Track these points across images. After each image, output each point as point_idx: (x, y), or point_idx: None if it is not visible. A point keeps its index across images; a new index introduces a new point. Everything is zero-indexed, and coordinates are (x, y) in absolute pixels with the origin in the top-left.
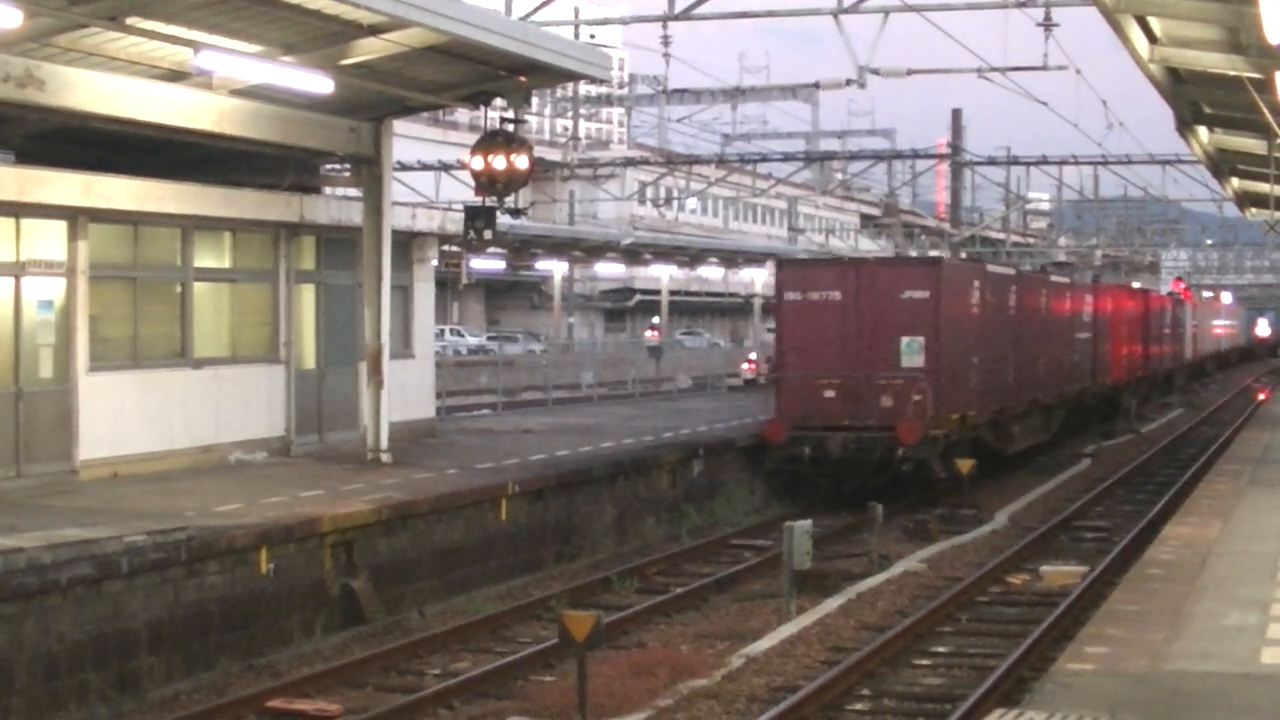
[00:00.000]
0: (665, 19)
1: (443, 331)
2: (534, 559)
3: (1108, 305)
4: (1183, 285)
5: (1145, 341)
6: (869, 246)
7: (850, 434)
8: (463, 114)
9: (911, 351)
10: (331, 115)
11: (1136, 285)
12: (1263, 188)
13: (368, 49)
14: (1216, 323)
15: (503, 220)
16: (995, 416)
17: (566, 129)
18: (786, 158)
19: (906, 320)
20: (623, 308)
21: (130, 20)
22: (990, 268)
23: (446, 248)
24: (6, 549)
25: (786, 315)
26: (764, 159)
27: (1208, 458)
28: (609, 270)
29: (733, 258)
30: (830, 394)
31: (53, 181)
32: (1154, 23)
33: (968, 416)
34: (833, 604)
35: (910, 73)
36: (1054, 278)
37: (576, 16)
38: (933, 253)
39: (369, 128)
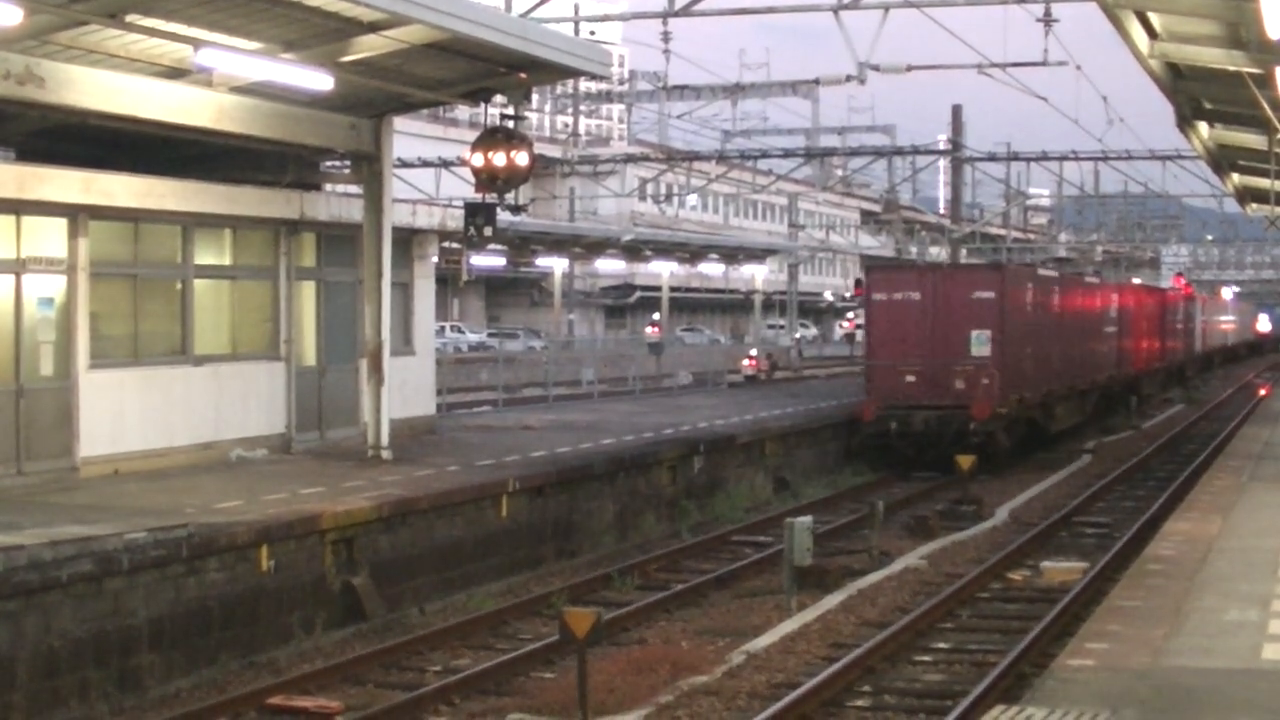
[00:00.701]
0: (665, 15)
1: (443, 328)
2: (534, 556)
3: (1130, 302)
4: (1183, 281)
5: (1161, 336)
6: (869, 243)
7: (930, 412)
8: (463, 111)
9: (980, 343)
10: (331, 112)
11: (1152, 284)
12: (1263, 183)
13: (368, 46)
14: (1223, 318)
15: (503, 217)
16: (1044, 399)
17: (567, 125)
18: (787, 154)
19: (975, 316)
20: (623, 304)
21: (130, 17)
22: (1040, 271)
23: (447, 244)
24: (7, 546)
25: (874, 313)
26: (764, 155)
27: (1208, 454)
28: (609, 267)
29: (733, 254)
30: (912, 379)
31: (53, 179)
32: (1154, 18)
33: (1024, 398)
34: (833, 600)
35: (910, 69)
36: (1087, 278)
37: (576, 13)
38: (933, 250)
39: (369, 124)
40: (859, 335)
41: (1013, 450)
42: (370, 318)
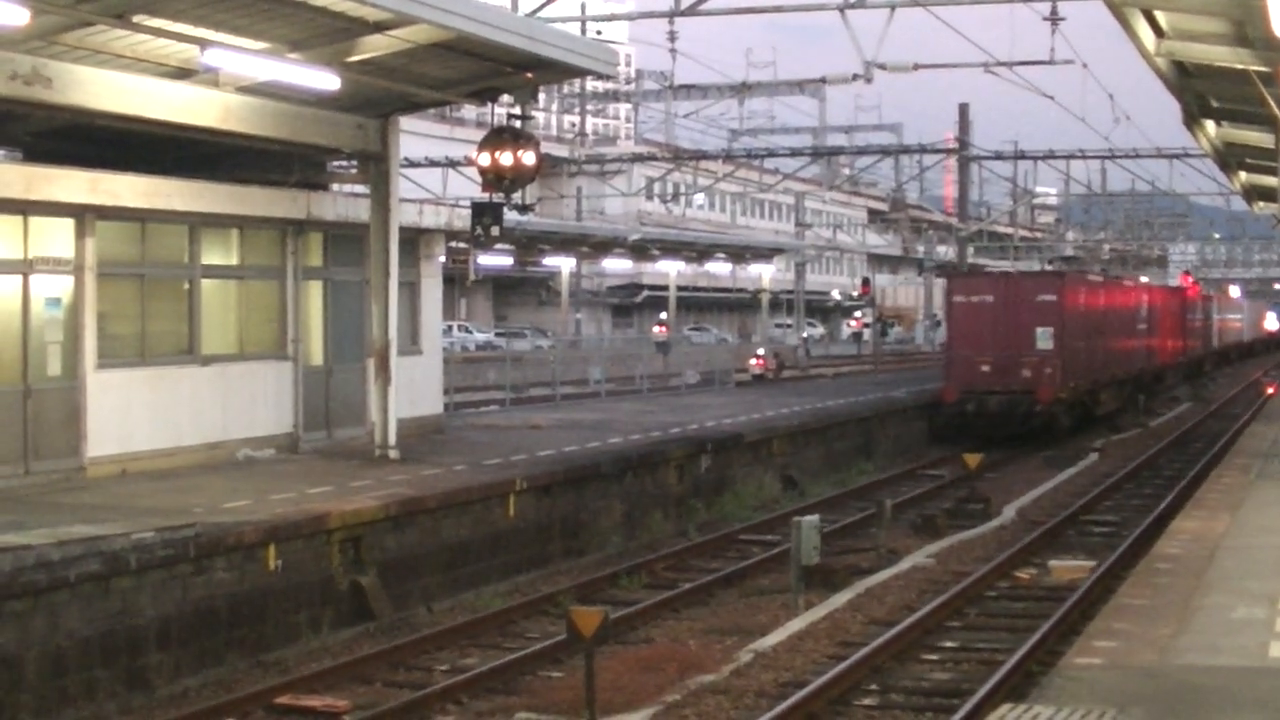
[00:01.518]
0: (672, 14)
1: (450, 328)
2: (542, 555)
3: (1157, 300)
4: (1190, 279)
5: (1183, 333)
6: (876, 241)
7: (1001, 396)
8: (470, 110)
9: (1044, 338)
10: (338, 112)
11: (1175, 286)
12: (1270, 181)
13: (374, 45)
14: (1238, 316)
15: (510, 216)
16: (1092, 386)
17: (573, 125)
18: (793, 153)
19: (1039, 316)
20: (630, 303)
21: (137, 18)
22: (1089, 276)
23: (454, 244)
24: (15, 546)
25: (955, 313)
26: (771, 154)
27: (1215, 452)
28: (616, 266)
29: (740, 253)
30: (986, 368)
31: (60, 179)
32: (1160, 16)
33: (1078, 385)
34: (841, 599)
35: (917, 67)
36: (1124, 281)
37: (583, 12)
38: (940, 248)
39: (376, 124)
40: (866, 334)
41: (1069, 429)
42: (377, 317)
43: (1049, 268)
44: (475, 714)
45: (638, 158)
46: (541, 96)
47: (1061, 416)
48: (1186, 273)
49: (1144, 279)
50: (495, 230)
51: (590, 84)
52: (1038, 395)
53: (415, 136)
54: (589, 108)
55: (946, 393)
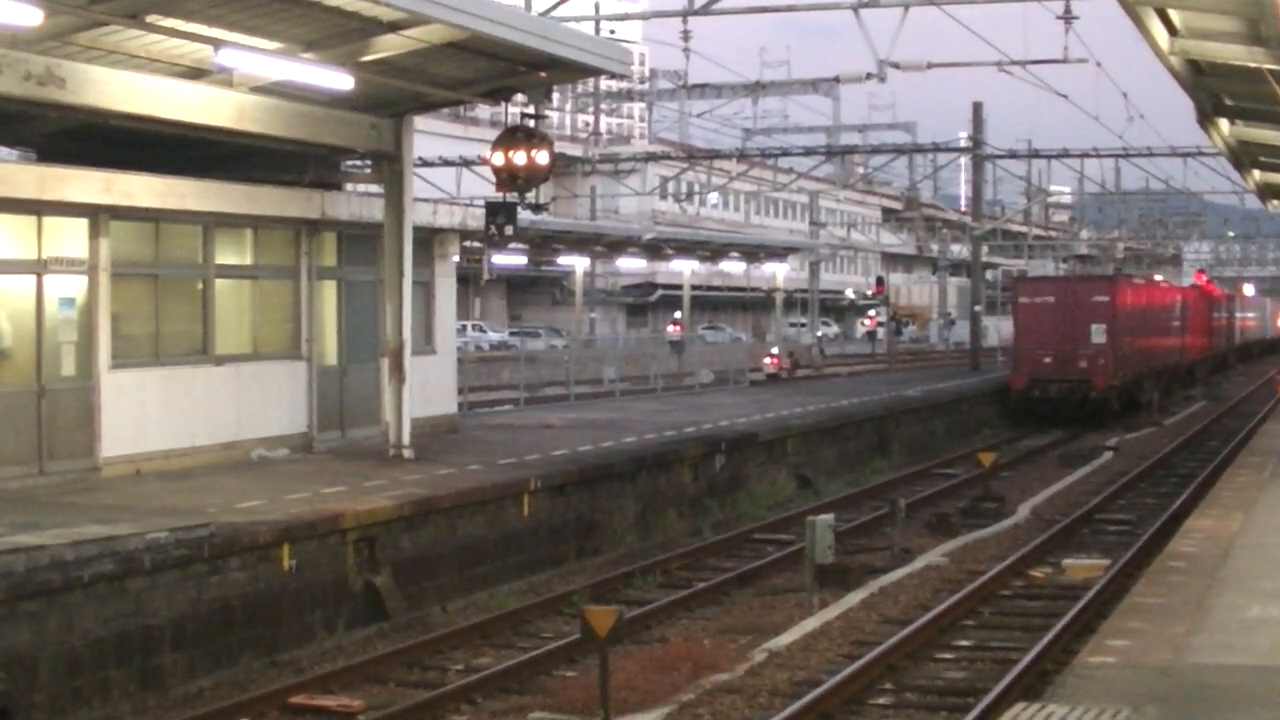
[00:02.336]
0: (685, 14)
1: (464, 327)
2: (556, 554)
3: (1189, 300)
4: (1205, 278)
5: (1209, 328)
6: (890, 240)
7: (1062, 383)
8: (484, 110)
9: (1098, 333)
10: (352, 112)
11: (1187, 282)
12: None
13: (388, 45)
14: (1257, 314)
15: (524, 216)
16: (1136, 376)
17: (587, 124)
18: (807, 152)
19: (1094, 314)
20: (644, 303)
21: (150, 18)
22: (1135, 279)
23: (468, 244)
24: (29, 546)
25: (1021, 312)
26: (785, 153)
27: (1230, 450)
28: (631, 265)
29: (754, 252)
30: (1048, 359)
31: (74, 179)
32: (1174, 15)
33: (1126, 374)
34: (855, 598)
35: (930, 66)
36: (1162, 282)
37: (597, 12)
38: (954, 247)
39: (389, 124)
40: (880, 333)
41: (1118, 412)
42: (391, 317)
43: (1096, 270)
44: (490, 714)
45: (652, 157)
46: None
47: (1113, 401)
48: (1201, 271)
49: (1158, 277)
50: (509, 229)
51: (604, 83)
52: (1093, 383)
53: (429, 136)
54: (603, 107)
55: (1015, 381)
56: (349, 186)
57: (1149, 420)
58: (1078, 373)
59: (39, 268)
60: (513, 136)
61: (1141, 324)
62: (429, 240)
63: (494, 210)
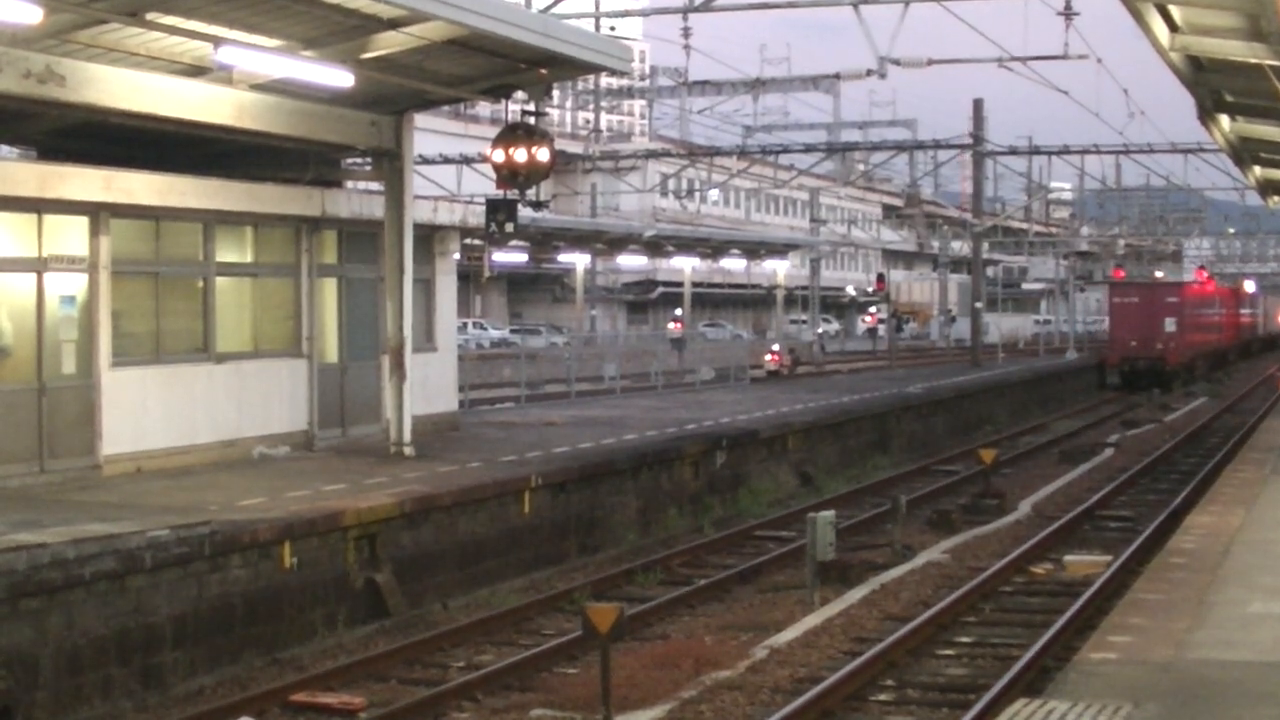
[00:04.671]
0: (686, 11)
1: (465, 325)
2: (557, 551)
3: (1227, 298)
4: (1205, 274)
5: (1238, 321)
6: (891, 237)
7: (1143, 361)
8: (484, 107)
9: (1170, 325)
10: (352, 109)
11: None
12: None
13: (388, 43)
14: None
15: (524, 213)
16: (1193, 357)
17: (588, 121)
18: (808, 149)
19: (1167, 310)
20: (645, 300)
21: (150, 15)
22: (1195, 284)
23: (468, 241)
24: (31, 544)
25: (1115, 310)
26: (785, 150)
27: (1230, 447)
28: (631, 262)
29: (755, 249)
30: (1134, 343)
31: (74, 177)
32: (1174, 11)
33: (1187, 355)
34: (856, 595)
35: (931, 63)
36: (1207, 285)
37: (597, 9)
38: (955, 243)
39: (390, 121)
40: (881, 330)
41: (1182, 381)
42: (392, 314)
43: (1162, 275)
44: (491, 711)
45: (652, 154)
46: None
47: (1180, 374)
48: (1201, 268)
49: (1158, 273)
50: (510, 227)
51: (604, 80)
52: (1167, 360)
53: (429, 133)
54: (603, 104)
55: (1110, 359)
56: (349, 184)
57: (1150, 417)
58: (1155, 353)
59: (39, 266)
60: (513, 134)
61: (1198, 318)
62: (429, 238)
63: (494, 207)
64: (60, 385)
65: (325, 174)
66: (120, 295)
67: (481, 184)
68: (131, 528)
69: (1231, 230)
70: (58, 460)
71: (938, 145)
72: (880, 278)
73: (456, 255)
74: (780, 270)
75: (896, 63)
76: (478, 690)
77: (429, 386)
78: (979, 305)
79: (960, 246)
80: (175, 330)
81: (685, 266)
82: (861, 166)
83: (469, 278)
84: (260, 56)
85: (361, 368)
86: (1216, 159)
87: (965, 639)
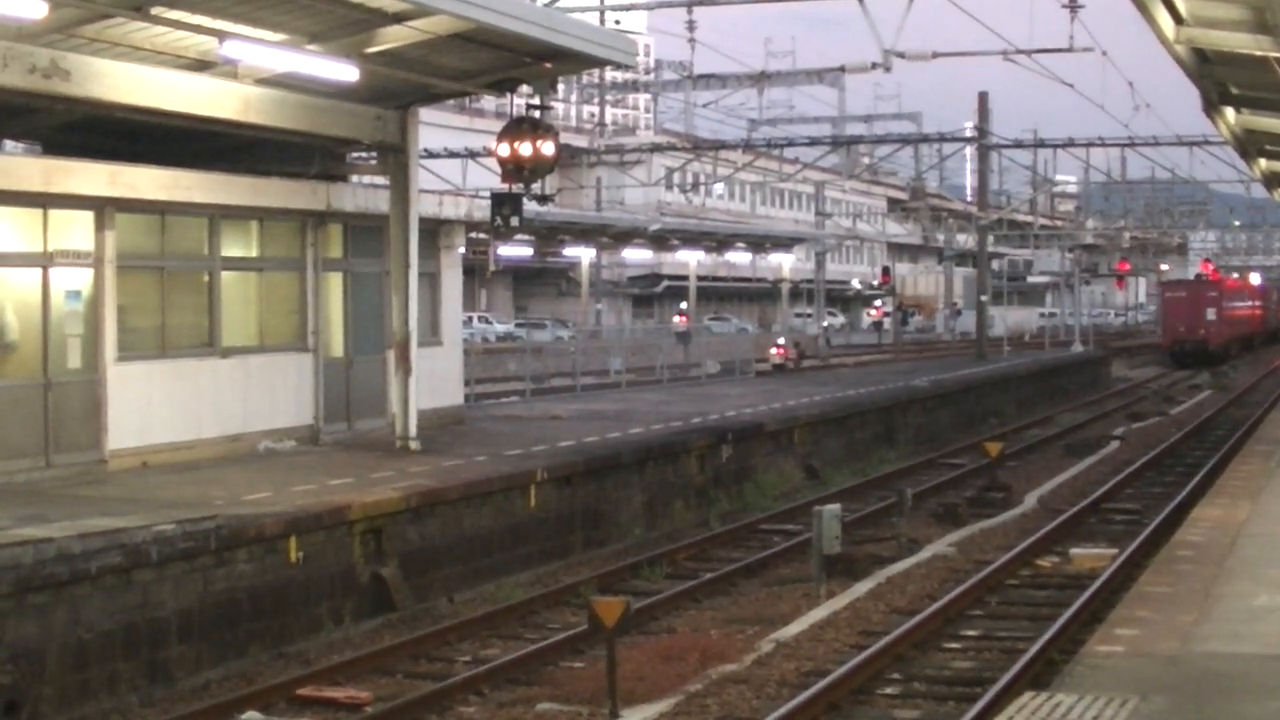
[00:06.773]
0: (690, 4)
1: (470, 319)
2: (563, 545)
3: (1254, 290)
4: (1211, 268)
5: (1266, 312)
6: (896, 230)
7: (1191, 342)
8: (489, 101)
9: (1210, 314)
10: (357, 103)
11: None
12: None
13: (393, 36)
14: None
15: (529, 207)
16: (1228, 341)
17: (593, 115)
18: (813, 142)
19: (1208, 302)
20: (650, 293)
21: (155, 10)
22: (1229, 280)
23: (474, 235)
24: (36, 539)
25: (1166, 302)
26: (790, 144)
27: (1236, 439)
28: (636, 256)
29: (760, 243)
30: (1183, 329)
31: (79, 172)
32: (1180, 3)
33: (1223, 339)
34: (862, 588)
35: (935, 56)
36: (1238, 278)
37: (601, 2)
38: (960, 237)
39: (395, 115)
40: (886, 323)
41: (1220, 359)
42: (397, 309)
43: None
44: (497, 705)
45: (657, 148)
46: (560, 87)
47: (1219, 354)
48: (1207, 260)
49: (1164, 267)
50: (515, 221)
51: (609, 74)
52: (1209, 343)
53: (434, 128)
54: (608, 98)
55: (1164, 342)
56: (354, 178)
57: (1156, 410)
58: (1198, 337)
59: (45, 260)
60: (518, 127)
61: (1232, 309)
62: (435, 232)
63: (499, 201)
64: (66, 380)
65: (330, 168)
66: (125, 290)
67: (486, 178)
68: (137, 522)
69: (1237, 223)
70: (63, 455)
71: (943, 138)
72: (885, 271)
73: (461, 249)
74: (785, 264)
75: (901, 56)
76: (484, 684)
77: (434, 381)
78: (984, 298)
79: (965, 240)
80: (180, 325)
81: (690, 260)
82: (866, 160)
83: (474, 272)
84: (265, 51)
85: (367, 362)
86: (1222, 152)
87: (972, 632)
